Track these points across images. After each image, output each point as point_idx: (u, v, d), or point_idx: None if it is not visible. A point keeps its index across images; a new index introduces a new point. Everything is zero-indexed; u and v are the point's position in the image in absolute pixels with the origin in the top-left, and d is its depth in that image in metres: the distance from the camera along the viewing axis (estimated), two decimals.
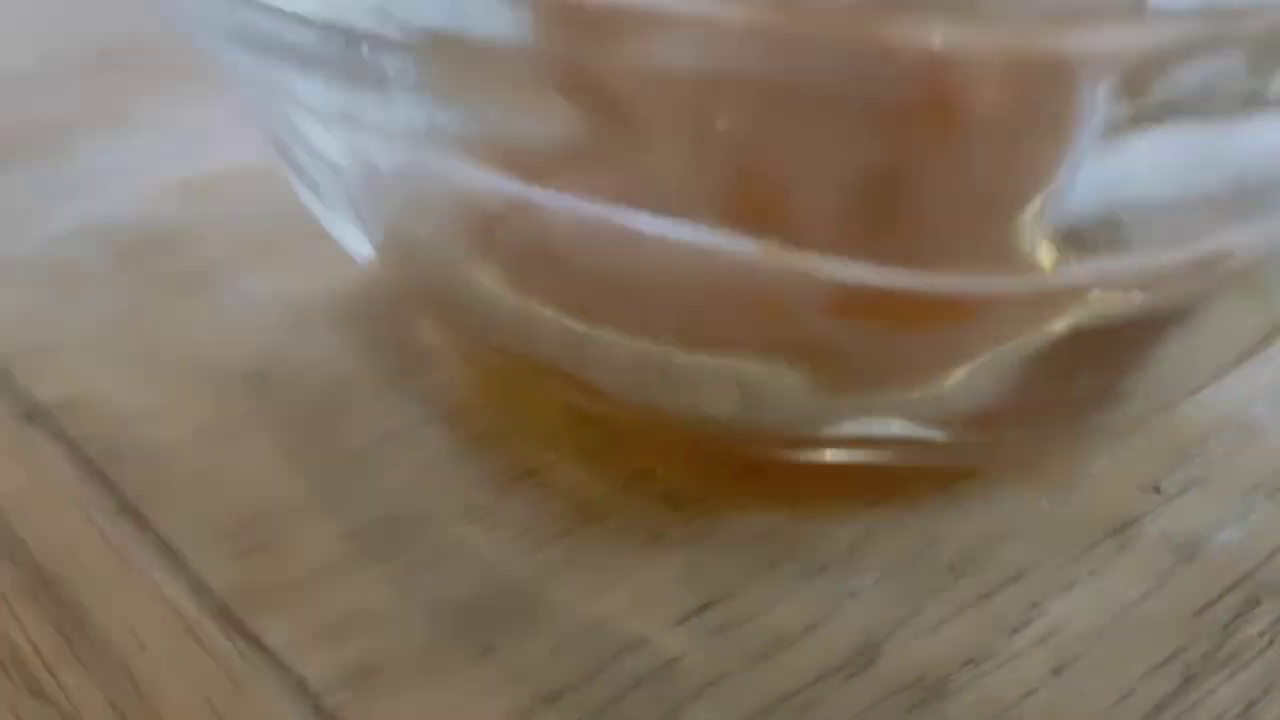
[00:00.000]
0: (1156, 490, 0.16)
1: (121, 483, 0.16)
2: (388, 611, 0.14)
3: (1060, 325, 0.12)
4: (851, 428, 0.14)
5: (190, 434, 0.17)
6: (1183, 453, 0.16)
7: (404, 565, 0.15)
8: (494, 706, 0.13)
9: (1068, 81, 0.09)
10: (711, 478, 0.16)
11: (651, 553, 0.15)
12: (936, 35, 0.09)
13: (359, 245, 0.17)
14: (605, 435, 0.17)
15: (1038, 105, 0.10)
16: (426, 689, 0.13)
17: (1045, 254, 0.11)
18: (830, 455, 0.15)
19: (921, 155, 0.10)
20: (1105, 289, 0.11)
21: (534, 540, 0.15)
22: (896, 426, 0.14)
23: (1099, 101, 0.10)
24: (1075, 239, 0.11)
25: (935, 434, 0.14)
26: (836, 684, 0.13)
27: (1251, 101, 0.10)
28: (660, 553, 0.15)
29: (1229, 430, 0.17)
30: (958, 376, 0.14)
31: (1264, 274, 0.13)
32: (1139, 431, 0.17)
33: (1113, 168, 0.10)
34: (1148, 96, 0.10)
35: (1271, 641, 0.13)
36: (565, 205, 0.12)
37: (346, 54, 0.12)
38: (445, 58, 0.12)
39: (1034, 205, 0.10)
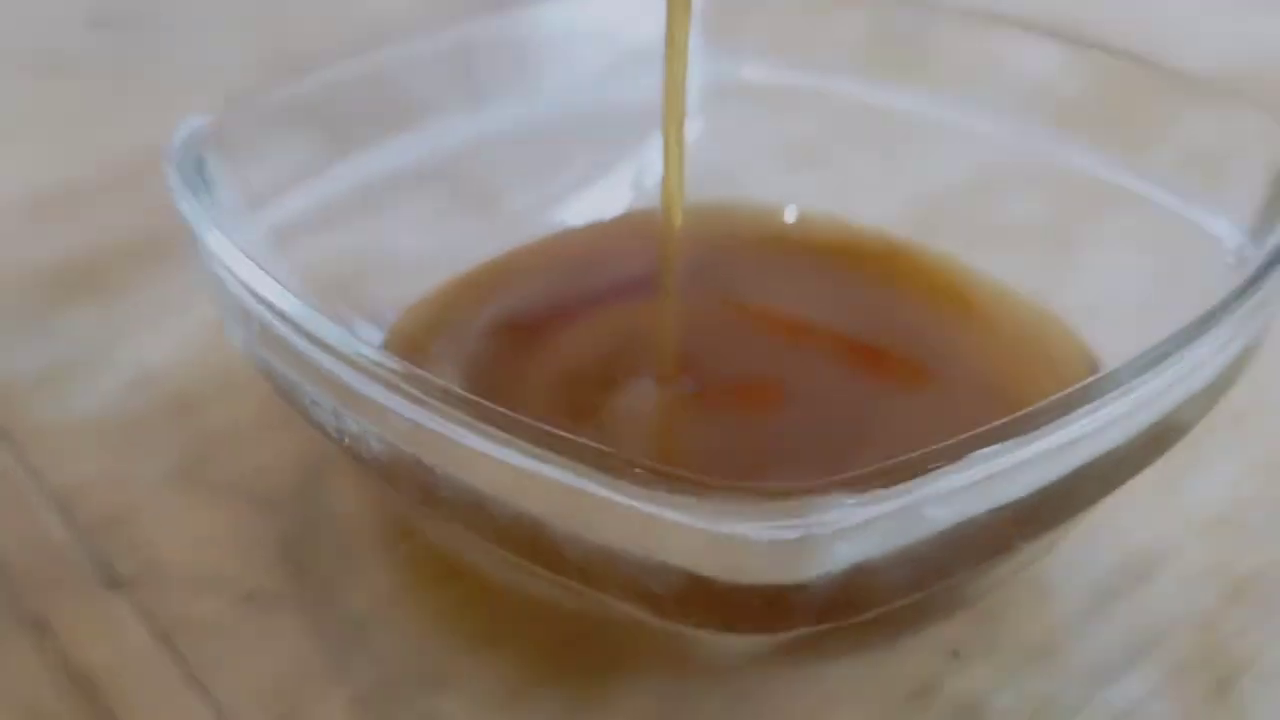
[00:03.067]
0: (955, 655, 0.21)
1: (188, 654, 0.21)
2: None
3: None
4: None
5: (234, 605, 0.22)
6: (984, 618, 0.21)
7: None
8: None
9: None
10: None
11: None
12: None
13: None
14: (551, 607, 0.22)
15: None
16: None
17: None
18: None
19: None
20: None
21: (488, 706, 0.20)
22: None
23: None
24: None
25: None
26: None
27: None
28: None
29: (1027, 594, 0.22)
30: None
31: None
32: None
33: None
34: None
35: None
36: None
37: None
38: None
39: None
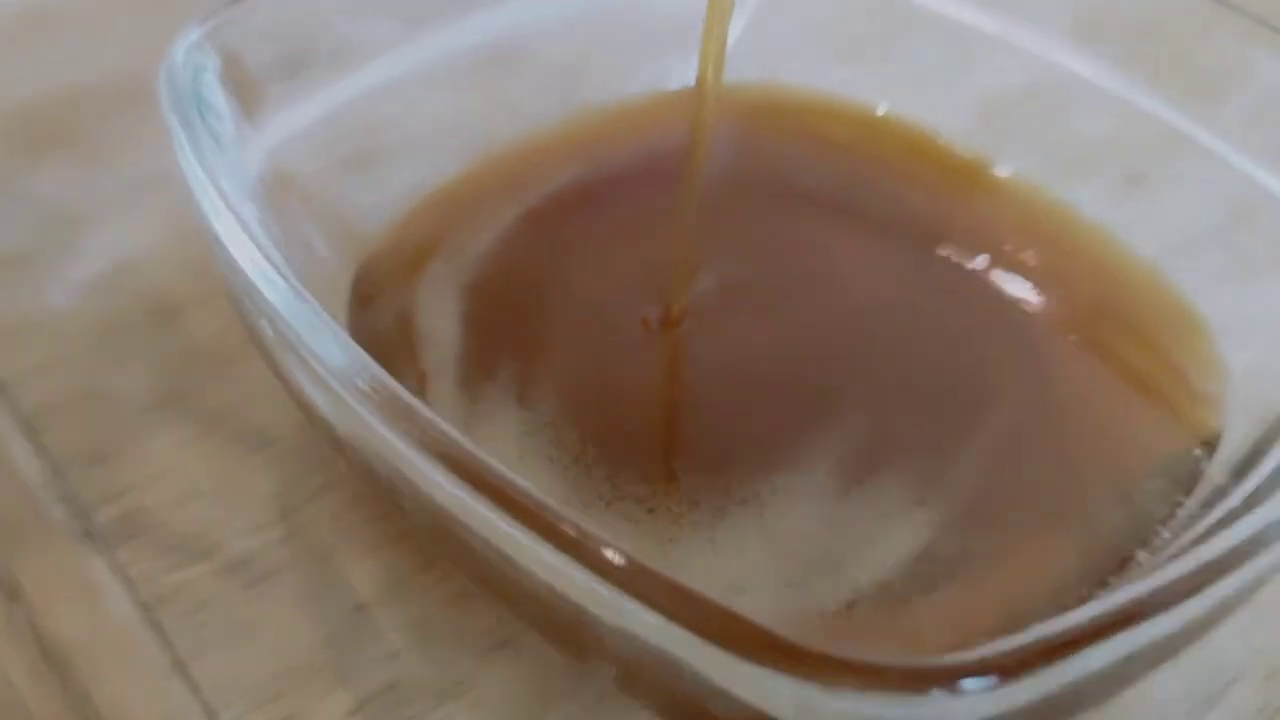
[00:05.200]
0: None
1: (172, 633, 0.19)
2: None
3: None
4: None
5: (224, 575, 0.20)
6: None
7: None
8: None
9: None
10: None
11: None
12: None
13: None
14: None
15: None
16: None
17: None
18: None
19: None
20: None
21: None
22: None
23: None
24: None
25: None
26: None
27: None
28: None
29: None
30: None
31: None
32: None
33: None
34: None
35: None
36: None
37: None
38: None
39: None
